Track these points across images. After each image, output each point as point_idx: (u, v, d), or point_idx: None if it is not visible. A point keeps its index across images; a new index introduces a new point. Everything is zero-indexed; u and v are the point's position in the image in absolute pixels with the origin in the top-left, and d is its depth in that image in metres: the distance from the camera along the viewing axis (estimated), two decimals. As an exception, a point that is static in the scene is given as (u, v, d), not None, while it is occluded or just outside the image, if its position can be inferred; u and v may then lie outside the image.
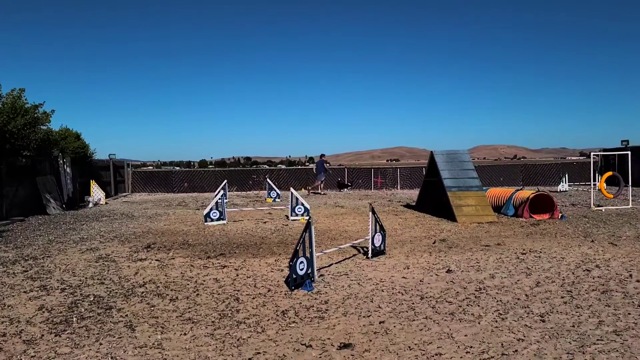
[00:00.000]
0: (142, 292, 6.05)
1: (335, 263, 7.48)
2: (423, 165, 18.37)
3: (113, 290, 6.19)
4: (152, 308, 5.41)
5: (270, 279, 6.61)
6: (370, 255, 7.72)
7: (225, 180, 19.76)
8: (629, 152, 16.00)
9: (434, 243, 9.05)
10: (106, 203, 19.28)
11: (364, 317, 4.99)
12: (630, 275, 6.36)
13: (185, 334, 4.59)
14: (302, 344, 4.29)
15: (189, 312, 5.26)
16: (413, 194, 20.53)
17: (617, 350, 3.97)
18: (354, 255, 8.07)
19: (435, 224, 11.54)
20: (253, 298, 5.72)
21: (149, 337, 4.54)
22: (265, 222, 12.45)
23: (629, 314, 4.87)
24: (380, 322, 4.81)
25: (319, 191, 22.89)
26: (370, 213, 7.75)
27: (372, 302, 5.49)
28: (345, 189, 23.75)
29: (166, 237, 10.27)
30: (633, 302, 5.26)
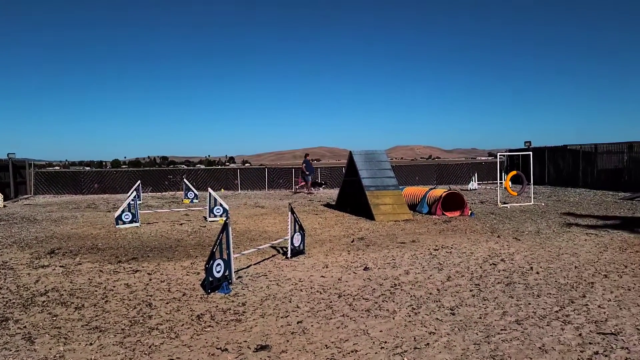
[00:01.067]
0: (44, 302, 5.62)
1: (254, 264, 7.38)
2: (343, 165, 18.65)
3: (10, 300, 5.70)
4: (55, 318, 5.04)
5: (186, 282, 6.39)
6: (289, 255, 7.70)
7: (139, 181, 18.94)
8: (531, 153, 17.22)
9: (352, 242, 9.20)
10: (4, 206, 17.82)
11: (281, 317, 4.95)
12: (531, 268, 6.81)
13: (91, 344, 4.31)
14: (217, 348, 4.17)
15: (96, 320, 4.95)
16: (333, 193, 20.79)
17: (518, 339, 4.22)
18: (273, 255, 8.01)
19: (354, 223, 11.75)
20: (167, 303, 5.50)
21: (50, 349, 4.22)
22: (181, 224, 12.06)
23: (529, 304, 5.20)
24: (298, 322, 4.79)
25: (306, 190, 22.52)
26: (290, 213, 7.73)
27: (290, 302, 5.47)
28: (320, 188, 23.46)
29: (73, 242, 9.64)
30: (533, 293, 5.62)
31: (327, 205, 16.37)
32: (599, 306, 5.06)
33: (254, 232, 10.62)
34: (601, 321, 4.61)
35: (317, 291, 5.89)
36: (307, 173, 22.10)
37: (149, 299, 5.68)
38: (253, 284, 6.23)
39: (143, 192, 20.66)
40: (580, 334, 4.29)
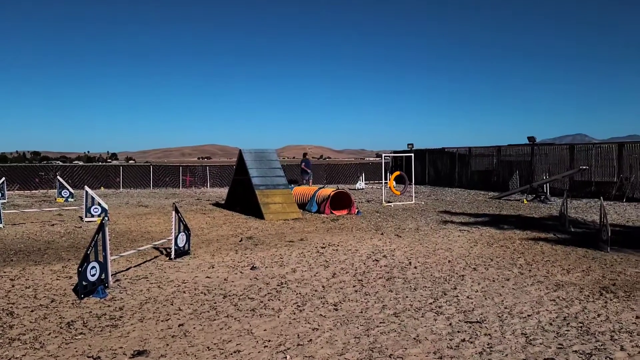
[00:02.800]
0: None
1: (135, 266, 6.99)
2: (234, 164, 18.40)
3: None
4: None
5: (56, 287, 5.88)
6: (173, 256, 7.40)
7: (4, 178, 17.16)
8: (413, 155, 18.25)
9: (240, 241, 9.08)
10: None
11: (162, 321, 4.73)
12: (410, 263, 7.19)
13: None
14: (89, 357, 3.88)
15: (-56, 334, 4.37)
16: (223, 192, 20.41)
17: (395, 331, 4.43)
18: (155, 257, 7.65)
19: (243, 222, 11.62)
20: (32, 311, 5.01)
21: None
22: (53, 225, 11.10)
23: (407, 297, 5.48)
24: (179, 325, 4.61)
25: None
26: (174, 212, 7.44)
27: (172, 304, 5.25)
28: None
29: None
30: (411, 286, 5.94)
31: (216, 204, 16.03)
32: (467, 297, 5.47)
33: (136, 232, 10.08)
34: (469, 311, 4.98)
35: (202, 292, 5.72)
36: (309, 172, 21.14)
37: (11, 307, 5.13)
38: (132, 287, 5.89)
39: (8, 191, 18.75)
40: (450, 324, 4.59)
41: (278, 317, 4.85)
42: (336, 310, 5.05)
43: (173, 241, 7.44)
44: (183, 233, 7.67)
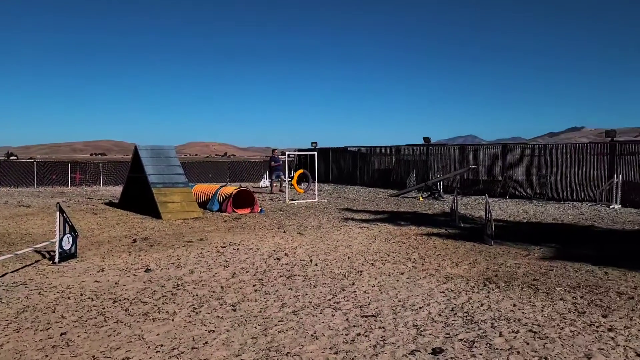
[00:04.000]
0: None
1: (12, 272, 6.37)
2: (129, 160, 17.47)
3: None
4: None
5: None
6: (57, 259, 6.85)
7: None
8: (316, 153, 18.48)
9: (134, 242, 8.63)
10: None
11: (41, 330, 4.35)
12: (311, 261, 7.25)
13: None
14: (-50, 377, 3.46)
15: None
16: (118, 190, 19.31)
17: (294, 328, 4.43)
18: (37, 261, 7.04)
19: (139, 222, 11.06)
20: None
21: None
22: None
23: (306, 294, 5.51)
24: (61, 334, 4.26)
25: (274, 191, 19.52)
26: (58, 212, 6.89)
27: (54, 312, 4.84)
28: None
29: None
30: (311, 283, 5.98)
31: (109, 203, 15.13)
32: (364, 292, 5.62)
33: (15, 235, 9.23)
34: (365, 305, 5.11)
35: (89, 298, 5.34)
36: (279, 168, 19.70)
37: None
38: (8, 295, 5.36)
39: None
40: (347, 319, 4.68)
41: (172, 320, 4.65)
42: (234, 310, 4.95)
43: (57, 243, 6.88)
44: (69, 235, 7.13)
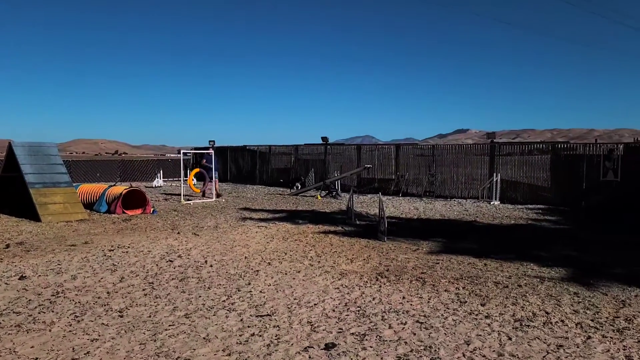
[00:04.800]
0: None
1: None
2: (3, 159, 15.87)
3: None
4: None
5: None
6: None
7: None
8: (213, 152, 18.08)
9: (7, 247, 7.86)
10: None
11: None
12: (206, 262, 7.06)
13: None
14: None
15: None
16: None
17: (185, 332, 4.28)
18: None
19: (13, 226, 10.10)
20: None
21: None
22: None
23: (200, 296, 5.36)
24: None
25: (208, 191, 16.78)
26: None
27: None
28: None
29: None
30: (205, 285, 5.82)
31: (-19, 205, 13.65)
32: (260, 291, 5.58)
33: None
34: (260, 305, 5.08)
35: (-50, 311, 4.77)
36: (210, 167, 17.00)
37: None
38: None
39: None
40: (241, 319, 4.61)
41: (50, 330, 4.29)
42: (121, 317, 4.67)
43: None
44: None
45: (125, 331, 4.29)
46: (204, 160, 17.49)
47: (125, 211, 12.10)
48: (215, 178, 16.89)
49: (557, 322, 4.59)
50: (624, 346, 4.02)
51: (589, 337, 4.21)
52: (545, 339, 4.16)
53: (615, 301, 5.25)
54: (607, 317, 4.73)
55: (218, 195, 16.72)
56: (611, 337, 4.21)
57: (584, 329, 4.42)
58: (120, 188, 12.72)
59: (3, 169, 12.35)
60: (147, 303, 5.11)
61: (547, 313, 4.84)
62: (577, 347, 3.99)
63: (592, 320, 4.64)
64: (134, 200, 12.52)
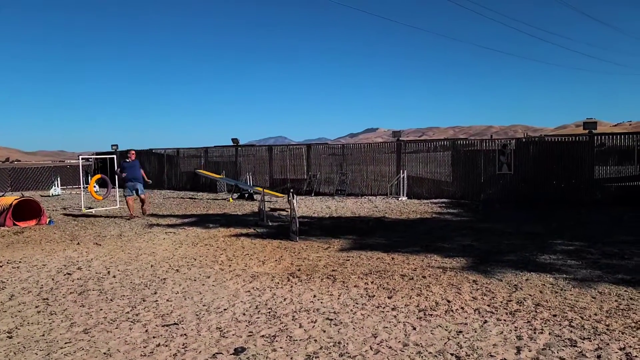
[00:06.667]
0: None
1: None
2: None
3: None
4: None
5: None
6: None
7: None
8: (115, 156, 17.20)
9: None
10: None
11: None
12: (109, 272, 6.69)
13: None
14: None
15: None
16: None
17: (84, 349, 4.02)
18: None
19: None
20: None
21: None
22: None
23: (101, 309, 5.06)
24: None
25: (135, 213, 12.85)
26: None
27: None
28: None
29: None
30: (107, 297, 5.51)
31: None
32: (167, 300, 5.37)
33: None
34: (167, 314, 4.89)
35: None
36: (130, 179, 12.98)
37: None
38: None
39: None
40: (146, 330, 4.41)
41: None
42: (10, 337, 4.30)
43: None
44: None
45: (15, 353, 3.95)
46: (118, 170, 13.56)
47: (16, 223, 11.14)
48: (141, 193, 13.03)
49: (457, 309, 4.85)
50: (515, 327, 4.33)
51: (486, 322, 4.49)
52: (446, 327, 4.38)
53: (509, 286, 5.65)
54: (501, 302, 5.07)
55: (143, 212, 13.21)
56: (504, 320, 4.52)
57: (481, 314, 4.70)
58: (11, 198, 11.71)
59: None
60: (41, 321, 4.74)
61: (448, 302, 5.10)
62: (475, 332, 4.24)
63: (488, 306, 4.95)
64: (27, 210, 11.58)
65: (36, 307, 5.19)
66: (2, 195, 12.27)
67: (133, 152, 13.62)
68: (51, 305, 5.25)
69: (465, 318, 4.60)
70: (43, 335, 4.36)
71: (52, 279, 6.34)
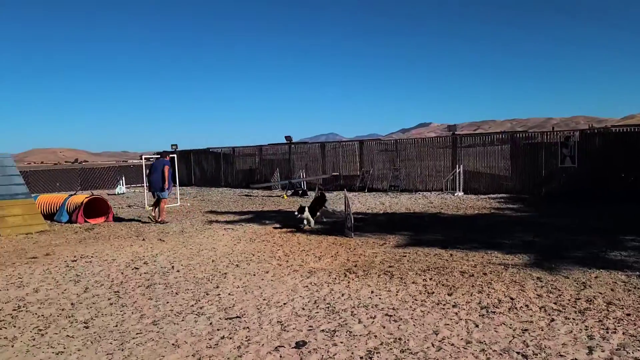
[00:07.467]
0: None
1: None
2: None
3: None
4: None
5: None
6: None
7: None
8: (176, 155, 17.80)
9: (-36, 263, 7.56)
10: None
11: None
12: (173, 267, 6.95)
13: None
14: None
15: None
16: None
17: (153, 339, 4.20)
18: None
19: (-31, 241, 9.71)
20: None
21: None
22: None
23: (167, 302, 5.27)
24: None
25: (160, 218, 11.68)
26: None
27: None
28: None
29: None
30: (172, 291, 5.73)
31: None
32: (229, 294, 5.53)
33: None
34: (229, 307, 5.03)
35: None
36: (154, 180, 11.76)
37: None
38: None
39: None
40: (211, 323, 4.57)
41: (12, 346, 4.15)
42: (87, 328, 4.56)
43: None
44: None
45: (92, 342, 4.19)
46: (147, 172, 12.72)
47: (87, 220, 11.79)
48: (165, 192, 11.71)
49: (521, 307, 4.73)
50: (585, 326, 4.17)
51: (553, 320, 4.34)
52: (510, 324, 4.27)
53: (577, 283, 5.44)
54: (569, 300, 4.89)
55: (157, 221, 11.59)
56: (573, 319, 4.36)
57: (547, 312, 4.56)
58: (82, 197, 12.39)
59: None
60: (113, 312, 4.99)
61: (511, 299, 4.98)
62: (542, 330, 4.11)
63: (555, 303, 4.79)
64: (96, 208, 12.21)
65: (108, 299, 5.47)
66: (74, 194, 12.97)
67: (164, 153, 12.33)
68: (122, 297, 5.52)
69: (531, 316, 4.47)
70: (116, 325, 4.59)
71: (122, 273, 6.67)
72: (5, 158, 11.70)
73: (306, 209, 10.25)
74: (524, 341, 3.91)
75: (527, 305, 4.76)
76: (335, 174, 20.03)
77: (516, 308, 4.69)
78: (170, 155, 13.38)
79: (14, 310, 5.16)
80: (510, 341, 3.92)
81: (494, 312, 4.59)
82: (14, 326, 4.66)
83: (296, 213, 10.31)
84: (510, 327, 4.21)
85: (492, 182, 16.83)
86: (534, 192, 15.66)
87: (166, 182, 11.54)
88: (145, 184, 16.00)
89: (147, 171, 12.49)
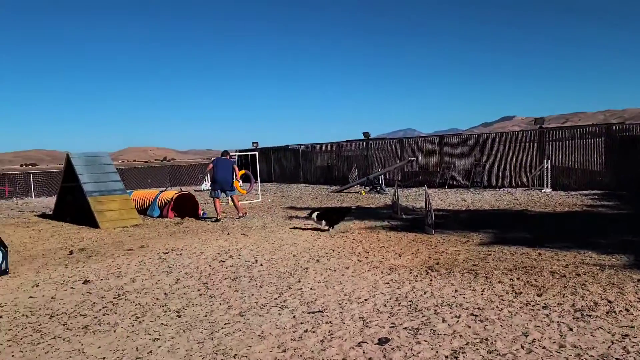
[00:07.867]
0: None
1: None
2: (62, 170, 16.59)
3: None
4: None
5: None
6: (-15, 277, 6.44)
7: None
8: (257, 153, 18.36)
9: (70, 254, 8.25)
10: None
11: (-30, 354, 4.08)
12: (256, 261, 7.19)
13: None
14: None
15: None
16: (51, 202, 18.41)
17: (240, 330, 4.37)
18: (-37, 280, 6.59)
19: (75, 233, 10.59)
20: None
21: None
22: None
23: (253, 295, 5.46)
24: (-8, 356, 4.01)
25: (241, 213, 12.02)
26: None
27: (-17, 333, 4.55)
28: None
29: None
30: (257, 284, 5.93)
31: (43, 215, 14.38)
32: (310, 288, 5.63)
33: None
34: (312, 301, 5.13)
35: (23, 315, 5.06)
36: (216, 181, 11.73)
37: None
38: None
39: None
40: (294, 316, 4.68)
41: (114, 332, 4.49)
42: (179, 317, 4.83)
43: (-15, 261, 6.46)
44: (-2, 250, 6.69)
45: (184, 330, 4.44)
46: (210, 166, 11.92)
47: (176, 215, 12.46)
48: (235, 189, 11.76)
49: (621, 310, 4.42)
50: (693, 334, 3.83)
51: (656, 326, 4.03)
52: (609, 329, 4.01)
53: (682, 288, 5.01)
54: (674, 305, 4.52)
55: (240, 215, 11.87)
56: (679, 325, 4.02)
57: (649, 317, 4.24)
58: (171, 193, 13.11)
59: (63, 180, 12.98)
60: (203, 303, 5.25)
61: (609, 302, 4.67)
62: (643, 337, 3.83)
63: (657, 308, 4.44)
64: (184, 204, 12.87)
65: (198, 290, 5.76)
66: (164, 191, 13.76)
67: (226, 152, 12.22)
68: (210, 289, 5.79)
69: (632, 321, 4.17)
70: (206, 315, 4.83)
71: (209, 266, 6.99)
72: (104, 157, 12.65)
73: (323, 217, 9.57)
74: (625, 347, 3.66)
75: (627, 309, 4.44)
76: (412, 158, 19.58)
77: (615, 312, 4.40)
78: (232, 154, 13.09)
79: (115, 298, 5.57)
80: (608, 347, 3.68)
81: (590, 316, 4.33)
82: (115, 313, 5.03)
83: (312, 215, 9.65)
84: (608, 332, 3.95)
85: (584, 178, 15.84)
86: (632, 188, 14.53)
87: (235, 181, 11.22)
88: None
89: (209, 169, 12.00)
